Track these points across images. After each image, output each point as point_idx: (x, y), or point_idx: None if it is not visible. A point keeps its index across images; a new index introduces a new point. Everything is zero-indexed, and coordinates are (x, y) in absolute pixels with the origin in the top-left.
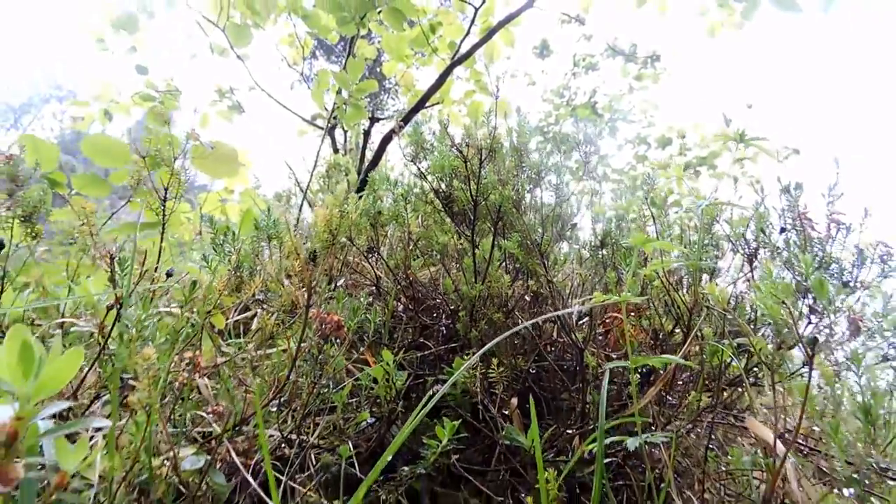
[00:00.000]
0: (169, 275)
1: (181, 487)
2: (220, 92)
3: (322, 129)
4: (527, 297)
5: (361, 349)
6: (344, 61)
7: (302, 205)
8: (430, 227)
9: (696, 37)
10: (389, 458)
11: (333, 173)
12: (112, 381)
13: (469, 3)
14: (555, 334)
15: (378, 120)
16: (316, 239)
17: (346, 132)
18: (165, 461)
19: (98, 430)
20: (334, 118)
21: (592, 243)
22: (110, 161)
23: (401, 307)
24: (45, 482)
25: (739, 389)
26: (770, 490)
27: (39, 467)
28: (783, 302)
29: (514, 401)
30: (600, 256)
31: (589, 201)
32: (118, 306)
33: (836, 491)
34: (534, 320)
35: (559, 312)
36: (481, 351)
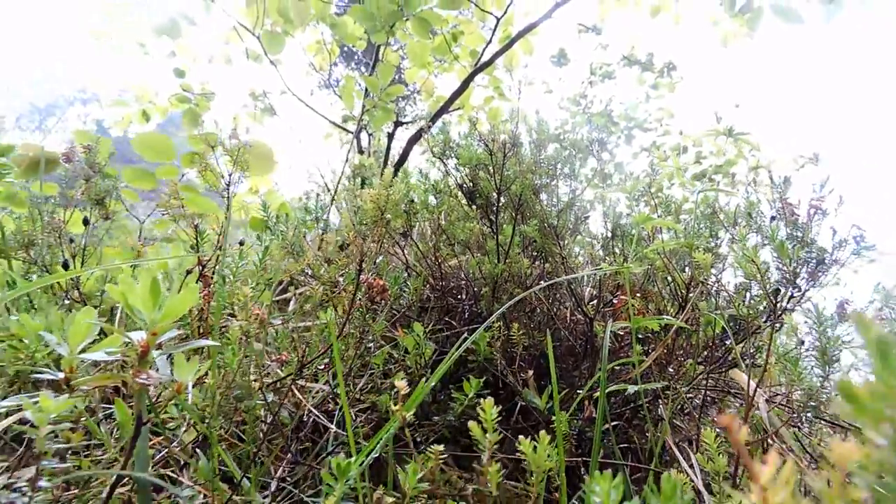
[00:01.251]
0: (241, 243)
1: (258, 418)
2: (253, 95)
3: (350, 131)
4: (542, 282)
5: (394, 329)
6: (371, 67)
7: (332, 201)
8: (453, 222)
9: (711, 45)
10: (434, 382)
11: (360, 172)
12: (216, 313)
13: (491, 14)
14: (568, 315)
15: (402, 124)
16: (367, 215)
17: (370, 136)
18: (254, 380)
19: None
20: (360, 121)
21: (603, 235)
22: (157, 156)
23: (427, 290)
24: (159, 394)
25: (730, 355)
26: (745, 414)
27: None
28: (752, 260)
29: (531, 371)
30: (610, 246)
31: (601, 197)
32: (215, 260)
33: (795, 416)
34: (548, 283)
35: (570, 277)
36: (509, 304)
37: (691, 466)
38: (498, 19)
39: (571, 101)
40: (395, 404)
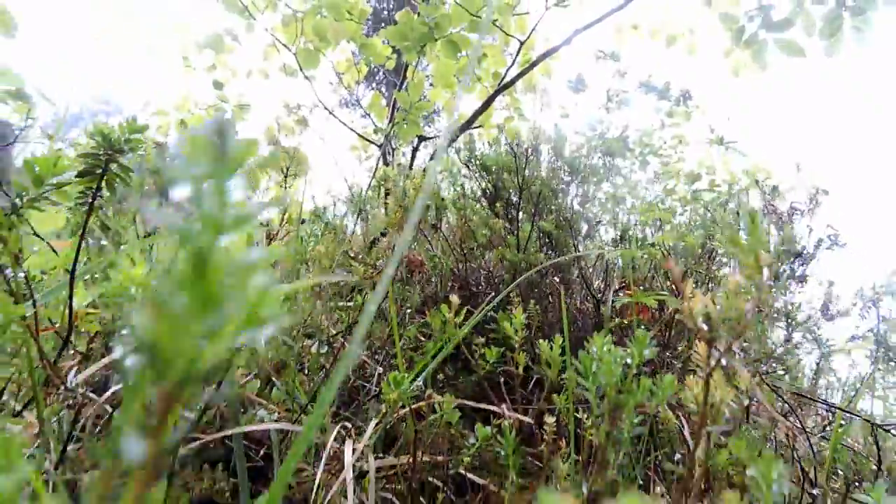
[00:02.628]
0: (302, 222)
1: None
2: (287, 107)
3: (377, 144)
4: (557, 274)
5: (423, 311)
6: (399, 84)
7: (360, 209)
8: (477, 225)
9: (725, 75)
10: (466, 330)
11: (385, 180)
12: (292, 265)
13: (514, 38)
14: (579, 303)
15: (425, 139)
16: (409, 200)
17: (393, 150)
18: (323, 320)
19: None
20: (386, 135)
21: (614, 238)
22: None
23: (453, 280)
24: None
25: None
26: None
27: None
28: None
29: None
30: (619, 246)
31: (613, 205)
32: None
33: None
34: (558, 259)
35: (579, 253)
36: (527, 274)
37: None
38: (521, 43)
39: (588, 126)
40: (448, 323)
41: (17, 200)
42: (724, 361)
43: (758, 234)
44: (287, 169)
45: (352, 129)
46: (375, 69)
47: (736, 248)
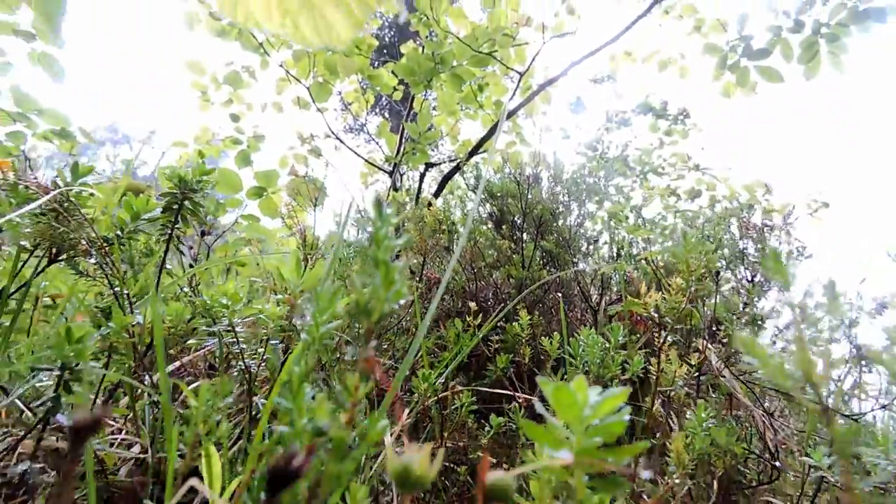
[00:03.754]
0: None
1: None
2: (301, 138)
3: (386, 171)
4: (559, 294)
5: (439, 325)
6: (406, 115)
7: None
8: (484, 248)
9: (717, 97)
10: (484, 331)
11: (394, 206)
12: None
13: (514, 70)
14: (579, 315)
15: (432, 165)
16: (428, 226)
17: (401, 176)
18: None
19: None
20: (395, 164)
21: (611, 255)
22: (229, 189)
23: (464, 297)
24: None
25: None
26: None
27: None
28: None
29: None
30: (615, 259)
31: (613, 223)
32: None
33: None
34: (559, 274)
35: (577, 269)
36: (532, 287)
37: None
38: (521, 74)
39: (588, 147)
40: (464, 334)
41: (119, 232)
42: (670, 339)
43: (690, 247)
44: (315, 199)
45: (360, 157)
46: (379, 96)
47: (677, 260)
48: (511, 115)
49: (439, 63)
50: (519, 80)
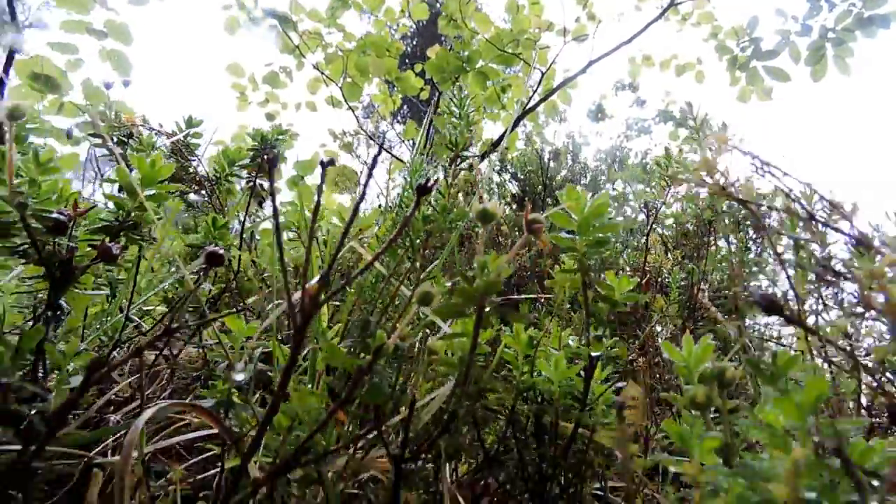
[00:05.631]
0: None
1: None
2: (332, 134)
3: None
4: None
5: None
6: (434, 108)
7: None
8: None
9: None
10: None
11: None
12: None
13: (536, 68)
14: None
15: (457, 157)
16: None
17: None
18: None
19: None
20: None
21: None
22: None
23: None
24: None
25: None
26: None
27: None
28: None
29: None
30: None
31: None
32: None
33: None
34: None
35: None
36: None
37: None
38: (542, 73)
39: (608, 154)
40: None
41: (218, 173)
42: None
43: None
44: (356, 182)
45: (389, 152)
46: (399, 106)
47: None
48: (534, 108)
49: (466, 62)
50: (540, 80)
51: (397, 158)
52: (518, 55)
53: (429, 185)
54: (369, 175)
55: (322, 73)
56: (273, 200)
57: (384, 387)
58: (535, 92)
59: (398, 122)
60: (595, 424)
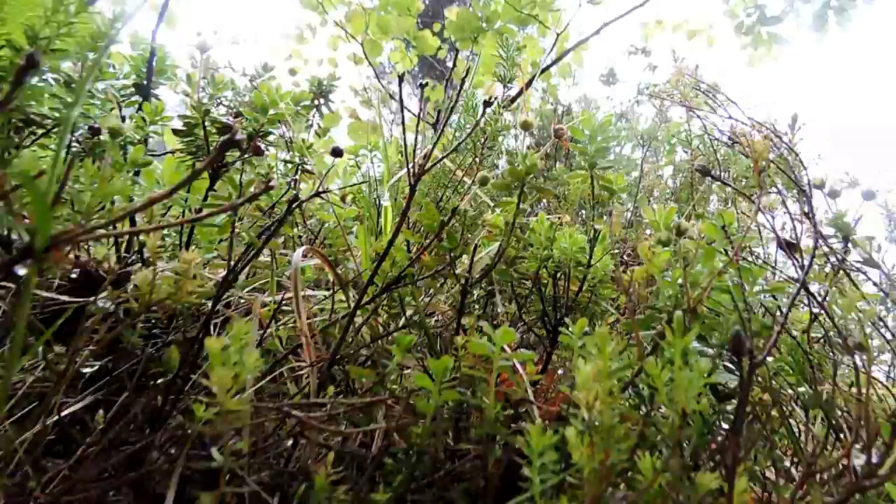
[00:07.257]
0: None
1: None
2: (353, 89)
3: (430, 123)
4: None
5: None
6: (451, 69)
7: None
8: None
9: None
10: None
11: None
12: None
13: (551, 29)
14: None
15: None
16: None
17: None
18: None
19: None
20: (441, 111)
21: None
22: (360, 138)
23: None
24: None
25: None
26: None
27: None
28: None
29: None
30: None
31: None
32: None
33: None
34: None
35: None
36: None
37: None
38: (557, 35)
39: (618, 118)
40: None
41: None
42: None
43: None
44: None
45: (410, 112)
46: (415, 68)
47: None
48: (547, 68)
49: (484, 21)
50: (555, 41)
51: (414, 115)
52: (535, 16)
53: (491, 99)
54: (422, 107)
55: (344, 31)
56: (401, 104)
57: (456, 237)
58: (549, 53)
59: (410, 84)
60: (596, 282)
